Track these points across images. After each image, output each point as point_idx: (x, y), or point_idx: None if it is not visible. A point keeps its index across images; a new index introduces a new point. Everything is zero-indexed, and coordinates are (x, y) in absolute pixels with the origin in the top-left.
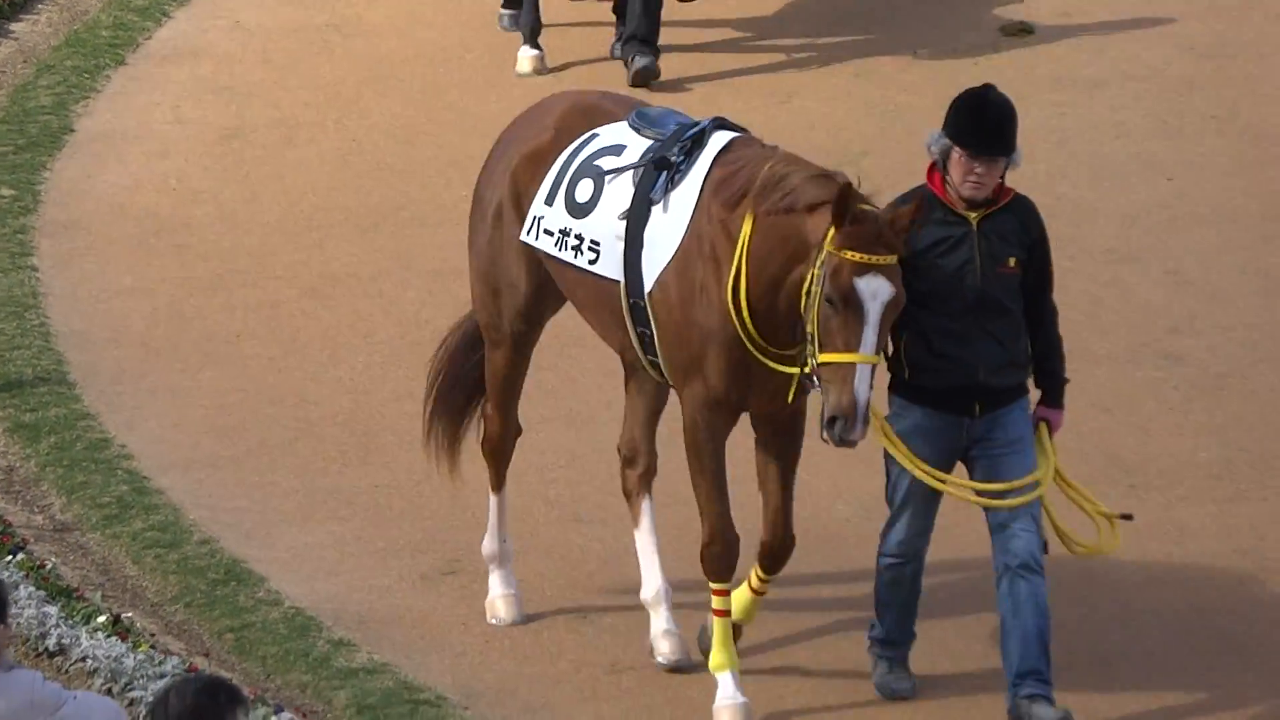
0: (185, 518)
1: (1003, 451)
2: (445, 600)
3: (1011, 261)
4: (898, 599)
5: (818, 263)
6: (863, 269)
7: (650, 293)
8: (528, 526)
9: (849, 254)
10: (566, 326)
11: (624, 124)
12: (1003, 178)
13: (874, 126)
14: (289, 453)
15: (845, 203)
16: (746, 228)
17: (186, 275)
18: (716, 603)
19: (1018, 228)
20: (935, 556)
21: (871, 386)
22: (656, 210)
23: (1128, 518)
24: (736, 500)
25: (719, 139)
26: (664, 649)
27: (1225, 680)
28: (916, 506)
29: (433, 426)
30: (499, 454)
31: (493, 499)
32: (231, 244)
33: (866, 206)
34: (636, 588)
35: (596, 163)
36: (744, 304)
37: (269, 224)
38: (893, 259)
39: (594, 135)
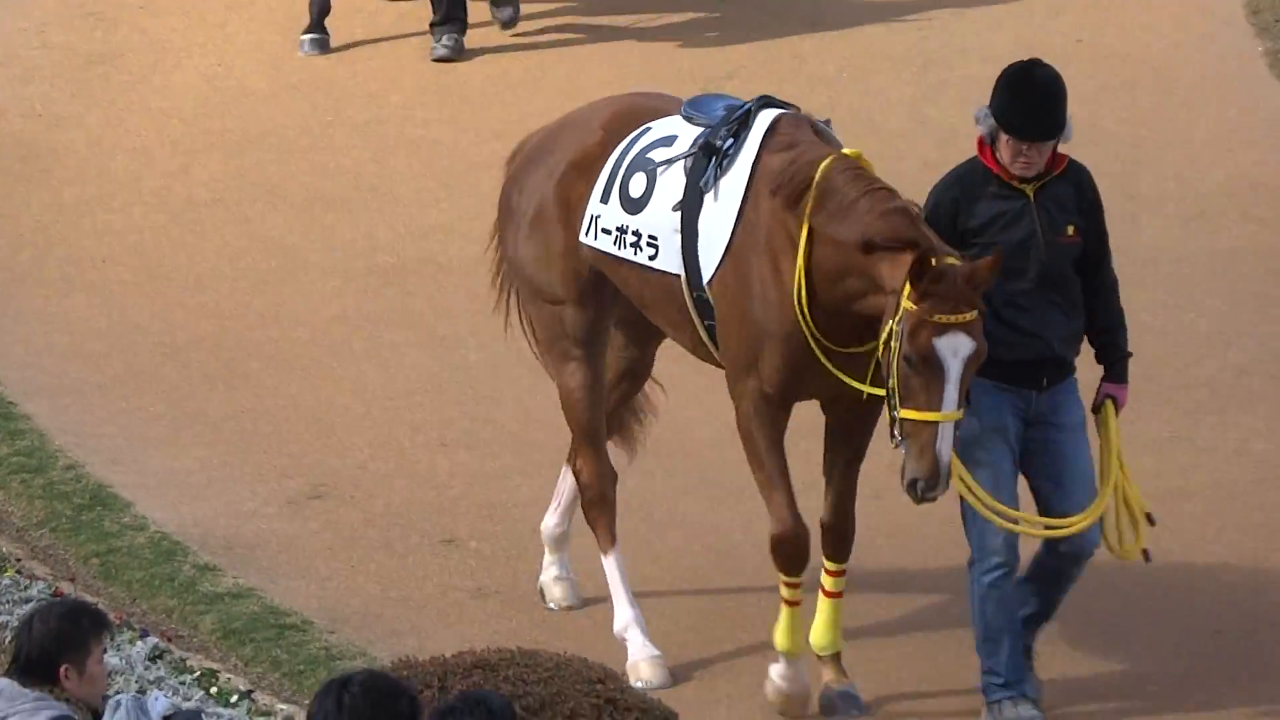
0: (51, 443)
1: (1065, 437)
2: (311, 525)
3: (1070, 230)
4: (1007, 621)
5: (895, 318)
6: (942, 329)
7: (709, 283)
8: (392, 451)
9: (928, 315)
10: (431, 249)
11: (676, 116)
12: (1054, 147)
13: (746, 50)
14: (155, 378)
15: (922, 268)
16: (804, 235)
17: (52, 200)
18: (787, 593)
19: (1074, 195)
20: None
21: (954, 443)
22: (708, 199)
23: (1150, 521)
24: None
25: (764, 119)
26: (555, 595)
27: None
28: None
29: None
30: (603, 505)
31: (608, 562)
32: (98, 169)
33: (949, 261)
34: (501, 512)
35: (648, 155)
36: (805, 309)
37: (135, 149)
38: (973, 315)
39: (646, 129)
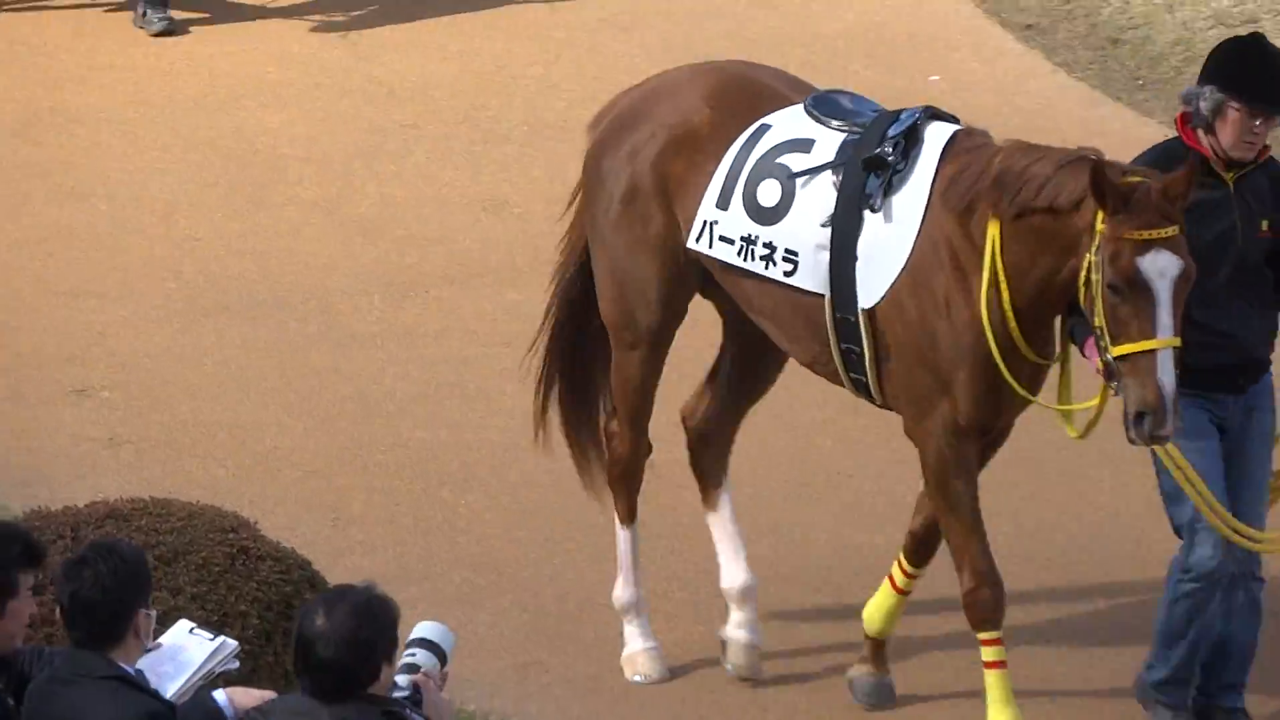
0: None
1: (1253, 446)
2: None
3: (1264, 225)
4: (1193, 629)
5: (1093, 249)
6: (1144, 247)
7: (873, 309)
8: (19, 301)
9: (1126, 233)
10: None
11: (799, 111)
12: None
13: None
14: None
15: (1103, 182)
16: (994, 232)
17: None
18: (988, 654)
19: (1270, 187)
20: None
21: (1175, 371)
22: (873, 218)
23: None
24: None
25: (937, 133)
26: (736, 656)
27: None
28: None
29: (576, 441)
30: (631, 478)
31: (623, 534)
32: None
33: (1133, 179)
34: (133, 362)
35: (780, 160)
36: (1010, 315)
37: None
38: (1174, 230)
39: (765, 126)
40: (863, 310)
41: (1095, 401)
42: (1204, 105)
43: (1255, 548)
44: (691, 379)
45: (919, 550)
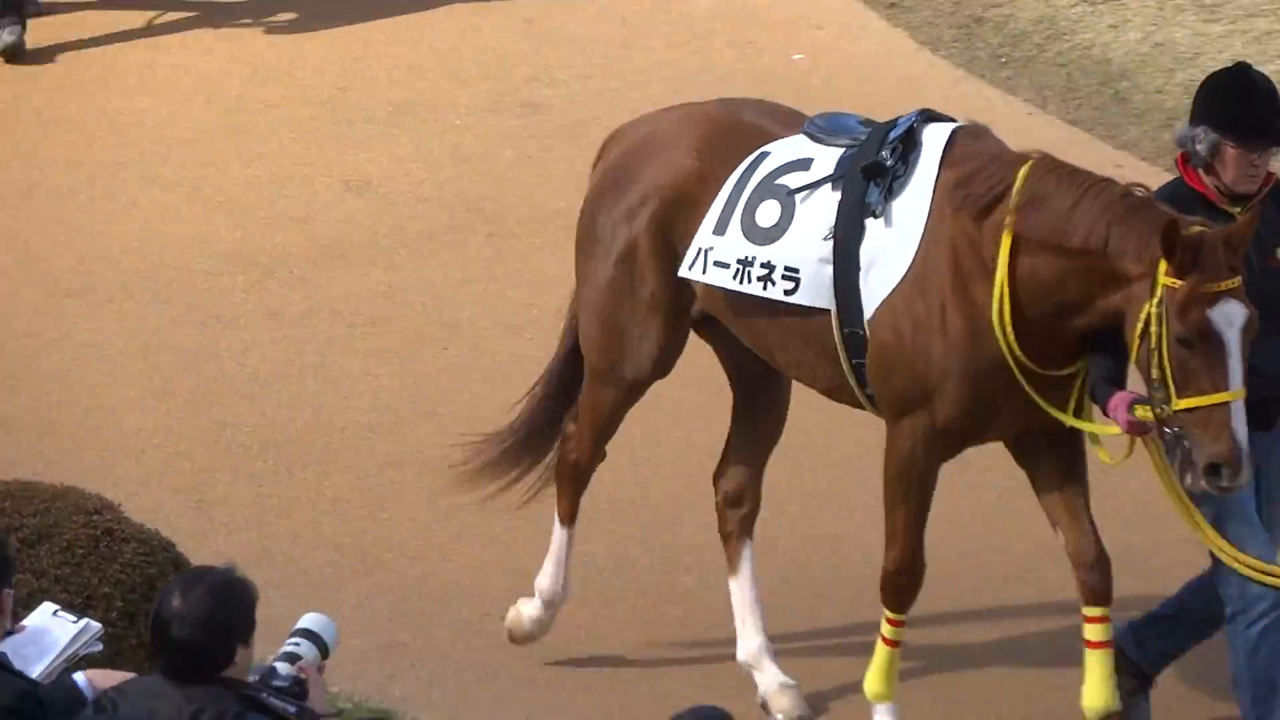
0: None
1: (1274, 485)
2: None
3: (1278, 252)
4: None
5: (1154, 301)
6: (1214, 299)
7: (872, 318)
8: None
9: (1196, 287)
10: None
11: (799, 136)
12: None
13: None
14: None
15: (1175, 239)
16: (1006, 244)
17: None
18: (888, 631)
19: (1277, 214)
20: None
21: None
22: (874, 225)
23: None
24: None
25: (935, 134)
26: (782, 705)
27: None
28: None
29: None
30: (580, 480)
31: (561, 532)
32: None
33: (1194, 229)
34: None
35: (779, 181)
36: (1010, 331)
37: None
38: (1239, 280)
39: (764, 154)
40: (867, 321)
41: (1115, 430)
42: (1200, 147)
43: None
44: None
45: (1099, 579)
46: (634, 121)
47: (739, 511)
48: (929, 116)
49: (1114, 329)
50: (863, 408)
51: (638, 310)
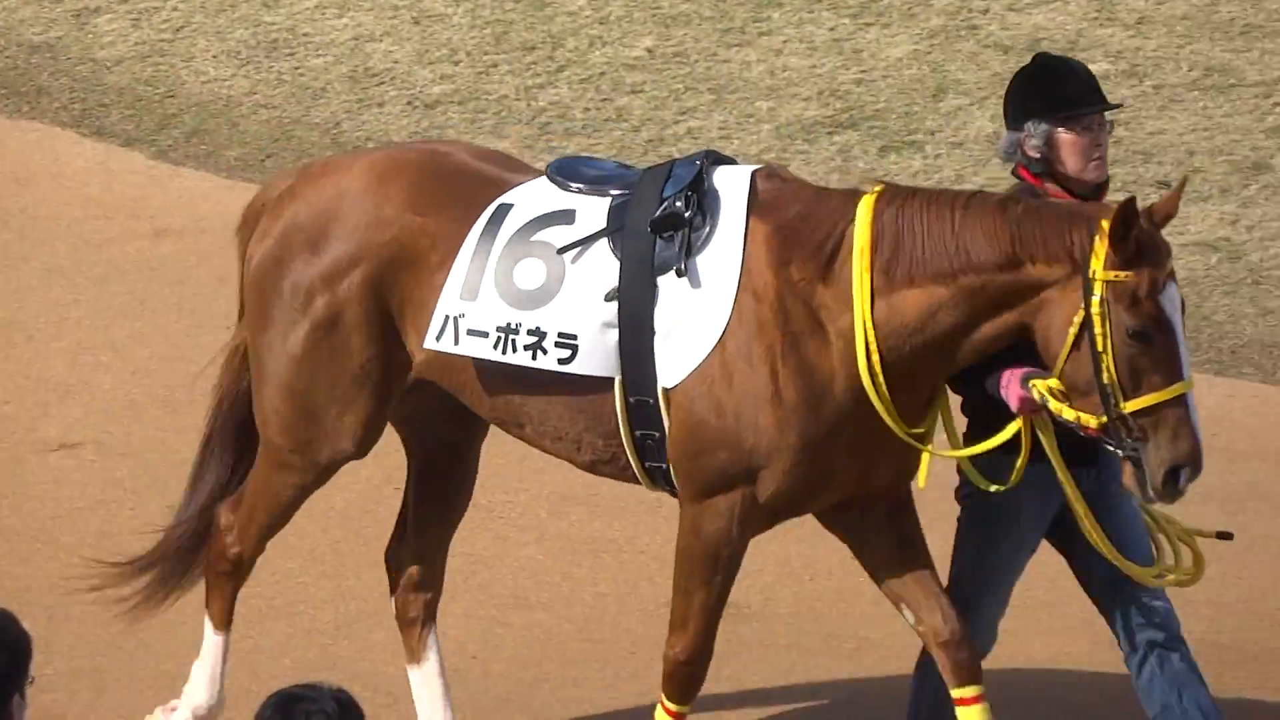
0: None
1: (1121, 501)
2: None
3: None
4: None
5: (1095, 300)
6: (1163, 284)
7: (676, 388)
8: None
9: (1143, 274)
10: None
11: (543, 184)
12: None
13: None
14: None
15: (1132, 221)
16: (863, 290)
17: None
18: (661, 717)
19: None
20: None
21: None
22: (671, 284)
23: (1226, 536)
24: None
25: (732, 179)
26: None
27: None
28: (1007, 595)
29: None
30: (240, 578)
31: (215, 639)
32: None
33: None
34: None
35: (539, 238)
36: (882, 384)
37: None
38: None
39: (505, 206)
40: (664, 390)
41: (1004, 437)
42: (1033, 146)
43: (1155, 582)
44: None
45: (970, 660)
46: (306, 173)
47: (424, 595)
48: (715, 159)
49: (992, 354)
50: (631, 482)
51: (340, 384)
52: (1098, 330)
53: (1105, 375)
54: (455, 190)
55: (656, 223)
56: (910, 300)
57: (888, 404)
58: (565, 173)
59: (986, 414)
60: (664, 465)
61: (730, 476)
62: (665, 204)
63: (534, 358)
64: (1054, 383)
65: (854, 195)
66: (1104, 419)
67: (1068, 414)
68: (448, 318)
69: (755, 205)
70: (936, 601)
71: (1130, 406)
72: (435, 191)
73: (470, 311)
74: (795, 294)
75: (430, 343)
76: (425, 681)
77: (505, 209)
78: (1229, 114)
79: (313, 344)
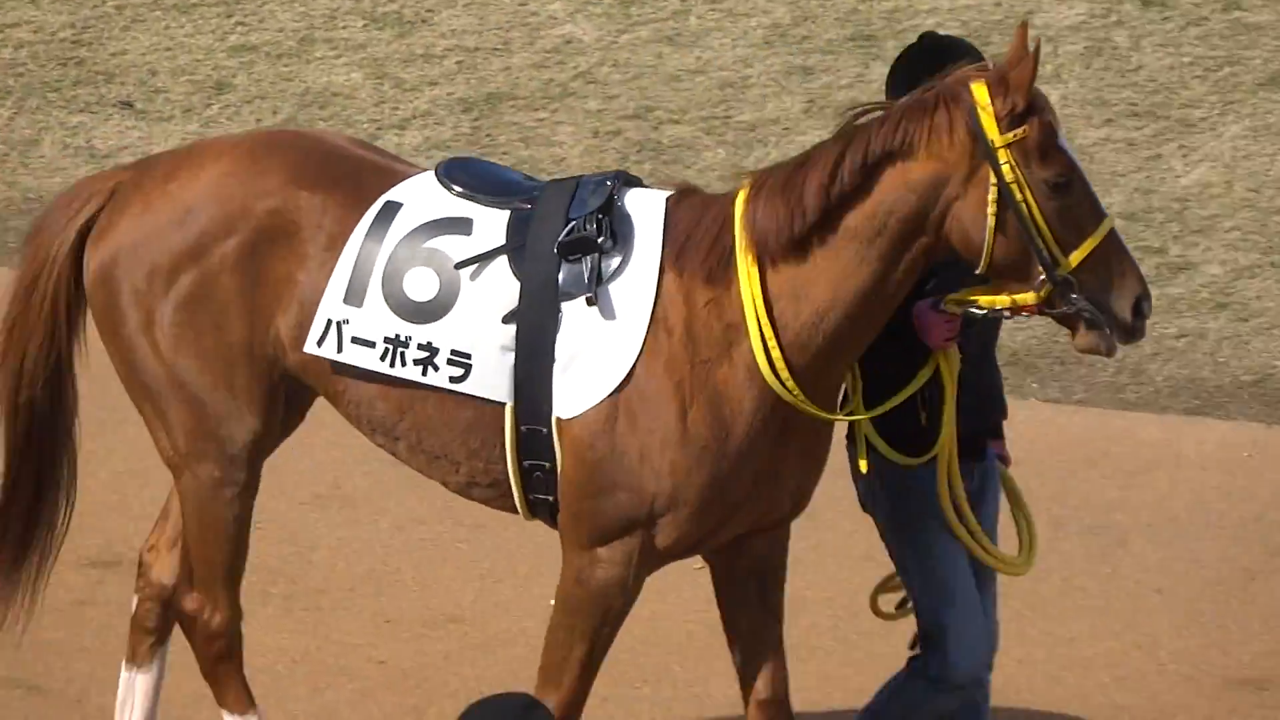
0: None
1: (990, 506)
2: None
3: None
4: None
5: (1006, 168)
6: (1056, 128)
7: (573, 420)
8: None
9: (1039, 120)
10: None
11: (432, 185)
12: None
13: None
14: None
15: (1028, 76)
16: (751, 281)
17: None
18: None
19: None
20: None
21: None
22: (576, 311)
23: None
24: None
25: (645, 201)
26: None
27: None
28: (972, 595)
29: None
30: (236, 653)
31: None
32: None
33: (973, 69)
34: None
35: (432, 245)
36: (785, 375)
37: None
38: None
39: (393, 205)
40: (560, 420)
41: (913, 388)
42: None
43: (1008, 570)
44: None
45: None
46: (148, 164)
47: (167, 608)
48: (626, 180)
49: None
50: (507, 510)
51: (221, 360)
52: (1018, 197)
53: (1041, 240)
54: (341, 171)
55: (564, 246)
56: (812, 278)
57: (799, 396)
58: (456, 176)
59: (885, 383)
60: (550, 498)
61: (629, 521)
62: (572, 226)
63: (424, 373)
64: (965, 291)
65: (729, 196)
66: (1043, 291)
67: (1001, 302)
68: (330, 322)
69: (669, 231)
70: (771, 658)
71: (1075, 259)
72: (319, 168)
73: (355, 318)
74: (702, 319)
75: (311, 347)
76: (141, 690)
77: (394, 207)
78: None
79: (181, 324)
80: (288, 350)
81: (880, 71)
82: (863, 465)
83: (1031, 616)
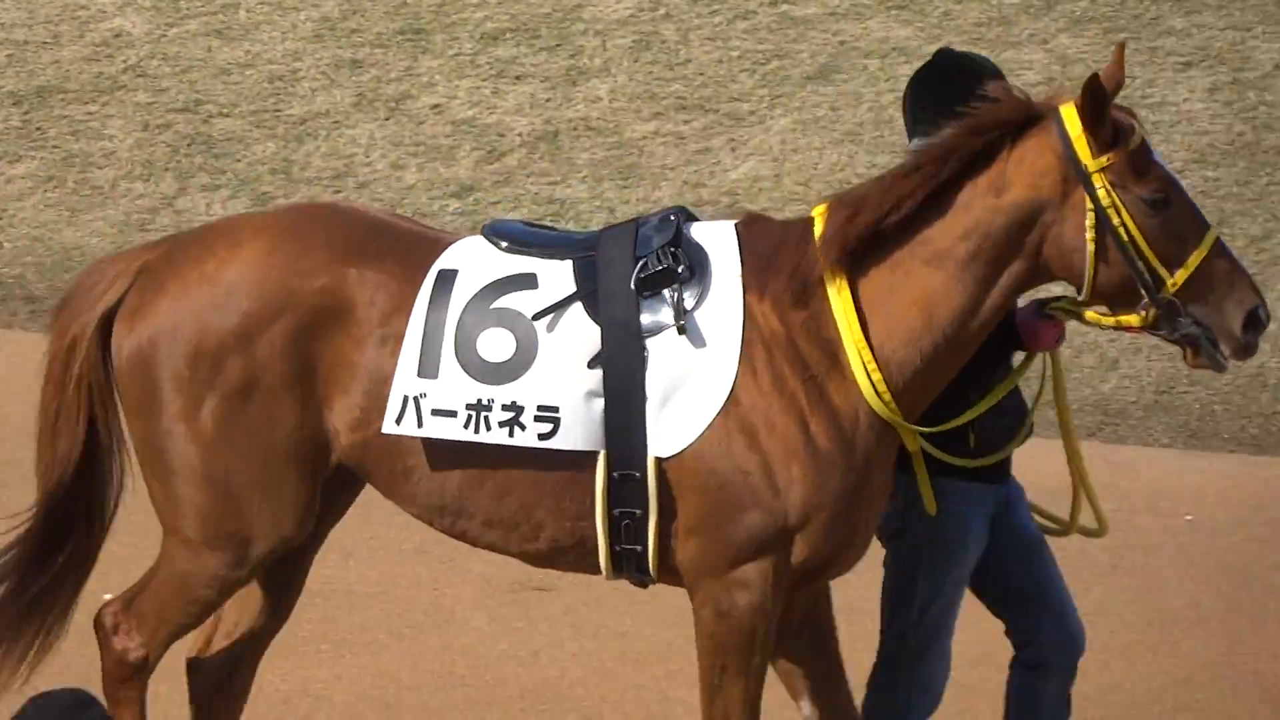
0: None
1: (1023, 514)
2: None
3: None
4: None
5: (1103, 192)
6: (1148, 145)
7: (680, 455)
8: None
9: (1137, 138)
10: None
11: (483, 248)
12: None
13: None
14: None
15: (1103, 98)
16: (845, 303)
17: None
18: None
19: None
20: None
21: None
22: (665, 345)
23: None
24: None
25: (714, 231)
26: None
27: None
28: (948, 628)
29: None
30: (143, 686)
31: None
32: None
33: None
34: None
35: (499, 305)
36: (885, 393)
37: None
38: None
39: (450, 272)
40: (658, 460)
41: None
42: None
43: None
44: None
45: None
46: (180, 241)
47: (224, 699)
48: (687, 215)
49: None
50: (587, 571)
51: (265, 462)
52: (1117, 221)
53: (1142, 262)
54: (384, 244)
55: (644, 282)
56: (904, 300)
57: (896, 412)
58: (507, 235)
59: (943, 401)
60: (639, 548)
61: (763, 540)
62: (644, 262)
63: (511, 434)
64: (1071, 300)
65: (807, 218)
66: (1147, 313)
67: (1107, 321)
68: (407, 398)
69: (746, 254)
70: (839, 693)
71: (1180, 277)
72: (363, 242)
73: (433, 390)
74: (801, 336)
75: (390, 427)
76: None
77: (450, 274)
78: None
79: (227, 418)
80: (344, 435)
81: (429, 64)
82: (930, 507)
83: None
